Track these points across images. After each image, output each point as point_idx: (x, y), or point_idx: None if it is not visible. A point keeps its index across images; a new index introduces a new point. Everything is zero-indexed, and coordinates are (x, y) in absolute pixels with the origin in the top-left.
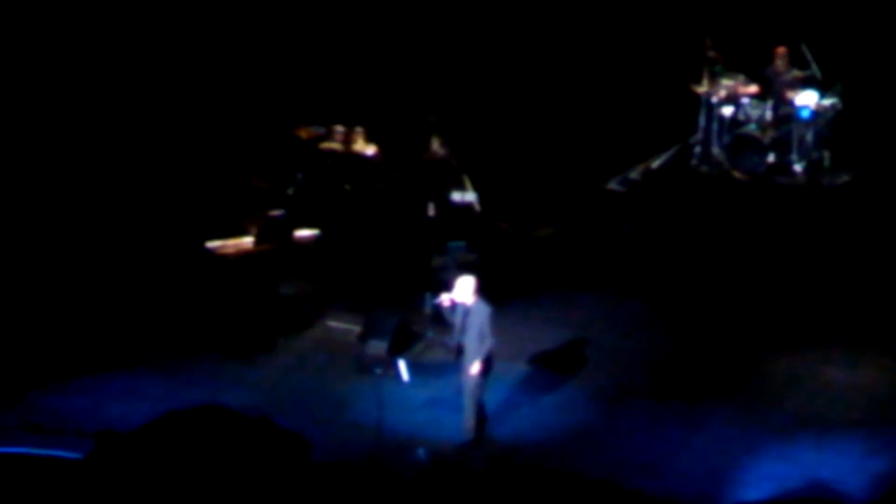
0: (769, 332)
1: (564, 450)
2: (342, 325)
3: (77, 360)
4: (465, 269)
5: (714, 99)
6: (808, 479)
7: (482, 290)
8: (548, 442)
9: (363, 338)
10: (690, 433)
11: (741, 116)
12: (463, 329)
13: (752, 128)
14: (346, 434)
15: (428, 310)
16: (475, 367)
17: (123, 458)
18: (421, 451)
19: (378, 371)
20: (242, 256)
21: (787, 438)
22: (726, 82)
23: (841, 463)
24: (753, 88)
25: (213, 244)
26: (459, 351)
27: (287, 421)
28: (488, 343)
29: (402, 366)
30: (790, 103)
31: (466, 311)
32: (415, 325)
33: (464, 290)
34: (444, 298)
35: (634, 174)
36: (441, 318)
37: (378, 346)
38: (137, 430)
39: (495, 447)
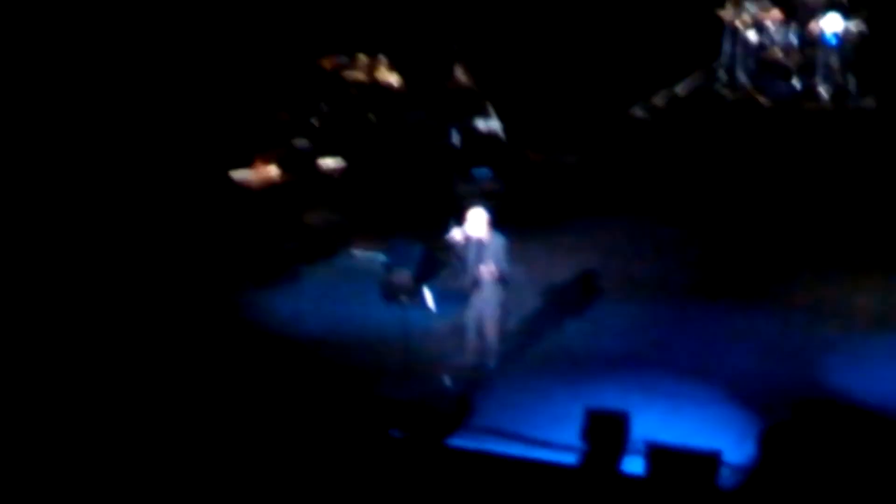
0: (798, 258)
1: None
2: (367, 254)
3: None
4: (489, 197)
5: (738, 24)
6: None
7: (498, 221)
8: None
9: (388, 266)
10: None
11: (766, 41)
12: (478, 263)
13: (777, 53)
14: (373, 364)
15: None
16: (497, 292)
17: None
18: (447, 379)
19: (404, 299)
20: (267, 186)
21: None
22: (750, 7)
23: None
24: (778, 14)
25: (237, 174)
26: (475, 285)
27: (316, 350)
28: (505, 275)
29: (428, 294)
30: (815, 28)
31: (481, 245)
32: (440, 253)
33: (477, 222)
34: (457, 233)
35: (659, 100)
36: (454, 254)
37: (404, 275)
38: None
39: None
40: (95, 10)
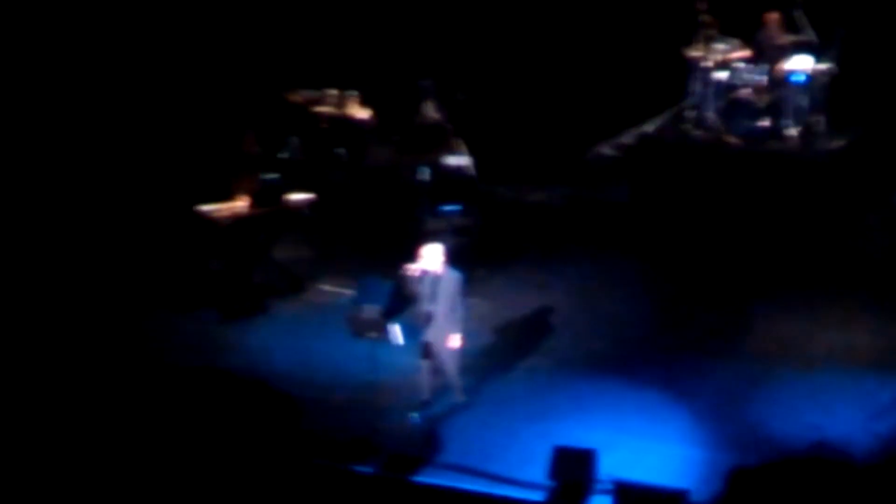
0: (763, 295)
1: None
2: (336, 289)
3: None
4: (457, 233)
5: (706, 63)
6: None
7: (465, 256)
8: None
9: (357, 302)
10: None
11: (735, 81)
12: (432, 298)
13: (745, 92)
14: (340, 399)
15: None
16: (455, 341)
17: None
18: (415, 416)
19: (372, 335)
20: (236, 220)
21: (789, 398)
22: (720, 46)
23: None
24: (747, 53)
25: (205, 208)
26: (428, 319)
27: (280, 384)
28: (459, 312)
29: (396, 329)
30: (784, 68)
31: (436, 280)
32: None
33: (431, 257)
34: (412, 268)
35: (627, 138)
36: (409, 289)
37: (372, 310)
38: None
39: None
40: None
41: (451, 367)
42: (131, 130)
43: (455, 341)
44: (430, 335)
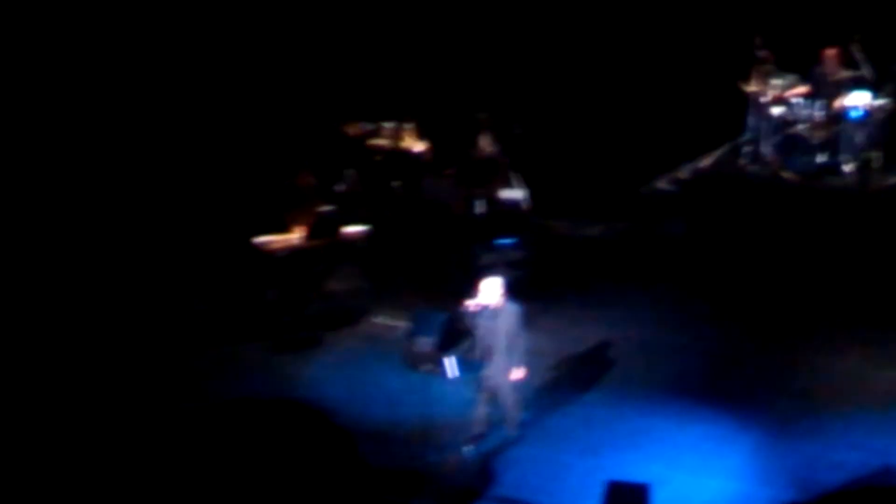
0: (820, 331)
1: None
2: (389, 322)
3: None
4: (512, 266)
5: (763, 98)
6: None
7: (520, 290)
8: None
9: (411, 334)
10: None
11: (791, 116)
12: (492, 332)
13: (802, 128)
14: (394, 432)
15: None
16: (519, 373)
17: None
18: (469, 450)
19: (426, 368)
20: (291, 252)
21: (844, 434)
22: (776, 82)
23: None
24: (803, 89)
25: (261, 239)
26: (488, 353)
27: (335, 417)
28: (520, 343)
29: (450, 362)
30: (841, 104)
31: (494, 314)
32: (461, 322)
33: (490, 291)
34: (470, 304)
35: (684, 173)
36: (468, 323)
37: (426, 343)
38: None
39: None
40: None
41: (509, 400)
42: (191, 160)
43: (518, 373)
44: (490, 368)
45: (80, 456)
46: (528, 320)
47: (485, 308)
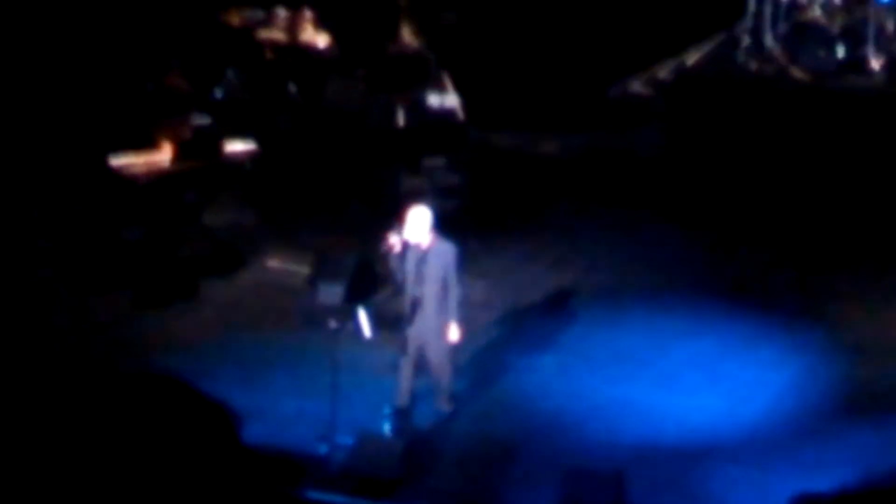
0: (838, 268)
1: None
2: (286, 266)
3: None
4: (444, 193)
5: None
6: None
7: (452, 223)
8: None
9: (313, 282)
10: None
11: None
12: (418, 278)
13: (816, 13)
14: (289, 406)
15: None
16: (453, 333)
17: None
18: (387, 429)
19: (332, 324)
20: (157, 176)
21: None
22: None
23: None
24: None
25: (119, 160)
26: (414, 305)
27: (213, 389)
28: (455, 293)
29: (364, 317)
30: None
31: (422, 256)
32: (378, 266)
33: (416, 226)
34: (393, 240)
35: (664, 72)
36: (390, 266)
37: (332, 293)
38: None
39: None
40: None
41: (441, 366)
42: (23, 56)
43: (453, 333)
44: (416, 326)
45: None
46: (466, 263)
47: (409, 248)
